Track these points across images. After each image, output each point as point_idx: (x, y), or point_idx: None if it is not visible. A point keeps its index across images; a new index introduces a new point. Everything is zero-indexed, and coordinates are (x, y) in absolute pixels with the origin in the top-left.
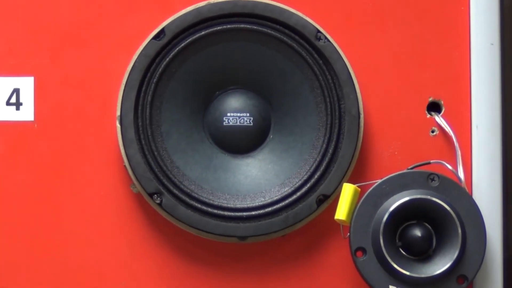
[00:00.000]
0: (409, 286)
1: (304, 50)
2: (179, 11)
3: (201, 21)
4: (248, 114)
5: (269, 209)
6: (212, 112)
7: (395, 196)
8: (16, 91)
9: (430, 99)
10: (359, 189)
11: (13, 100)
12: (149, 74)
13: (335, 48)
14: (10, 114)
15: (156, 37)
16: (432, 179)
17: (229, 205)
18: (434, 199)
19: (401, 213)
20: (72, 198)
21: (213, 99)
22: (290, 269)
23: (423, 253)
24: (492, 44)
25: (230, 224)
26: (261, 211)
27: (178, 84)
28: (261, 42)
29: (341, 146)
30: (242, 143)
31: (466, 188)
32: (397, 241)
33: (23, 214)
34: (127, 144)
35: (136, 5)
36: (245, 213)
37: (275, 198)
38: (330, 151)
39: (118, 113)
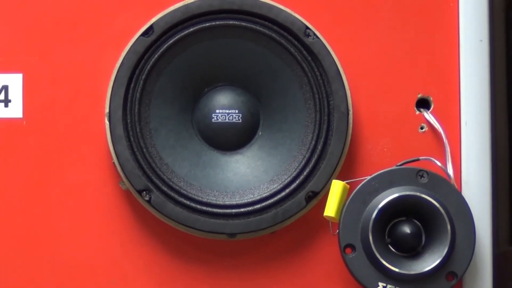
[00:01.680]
0: (398, 283)
1: (293, 47)
2: (168, 8)
3: (189, 17)
4: (237, 111)
5: (258, 206)
6: (201, 108)
7: (384, 193)
8: (5, 88)
9: (419, 95)
10: (348, 186)
11: (2, 97)
12: (137, 71)
13: (324, 44)
14: None
15: (145, 33)
16: (421, 176)
17: (218, 202)
18: (423, 195)
19: (390, 210)
20: (61, 195)
21: (202, 95)
22: (280, 266)
23: (412, 249)
24: (481, 40)
25: (219, 221)
26: (250, 208)
27: (167, 81)
28: (249, 39)
29: (330, 142)
30: (231, 140)
31: (455, 185)
32: (386, 237)
33: (12, 211)
34: (116, 141)
35: (125, 1)
36: (234, 210)
37: (264, 195)
38: (319, 147)
39: (107, 110)
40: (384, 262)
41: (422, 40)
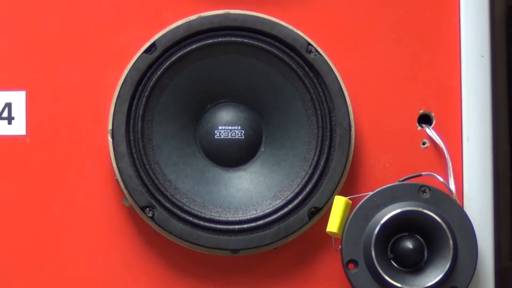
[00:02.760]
0: None
1: (295, 63)
2: (170, 25)
3: (192, 34)
4: (239, 127)
5: (261, 222)
6: (203, 125)
7: (386, 209)
8: (8, 105)
9: (421, 111)
10: (351, 202)
11: (5, 114)
12: (140, 88)
13: (326, 61)
14: (2, 128)
15: (147, 50)
16: (423, 191)
17: (221, 218)
18: (425, 211)
19: (393, 225)
20: (64, 211)
21: (204, 112)
22: (283, 281)
23: (415, 265)
24: (482, 56)
25: (222, 237)
26: (253, 224)
27: (169, 98)
28: (252, 55)
29: (333, 158)
30: (234, 156)
31: (457, 200)
32: (388, 253)
33: (16, 227)
34: (119, 158)
35: (127, 19)
36: (237, 226)
37: (266, 211)
38: (322, 163)
39: (110, 127)
40: (387, 278)
41: (423, 56)
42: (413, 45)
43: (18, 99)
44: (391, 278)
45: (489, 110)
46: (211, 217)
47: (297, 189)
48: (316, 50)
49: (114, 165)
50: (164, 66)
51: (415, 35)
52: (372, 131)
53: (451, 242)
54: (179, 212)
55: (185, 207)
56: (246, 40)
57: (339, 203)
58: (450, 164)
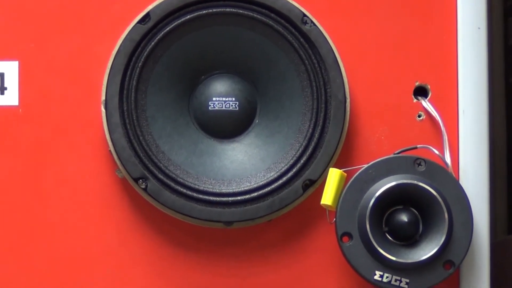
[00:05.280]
0: (395, 272)
1: (290, 34)
2: None
3: (186, 4)
4: (233, 99)
5: (255, 194)
6: (197, 96)
7: (381, 181)
8: (1, 75)
9: (417, 83)
10: (345, 174)
11: None
12: (134, 59)
13: (321, 32)
14: None
15: (141, 21)
16: (419, 164)
17: (214, 190)
18: (420, 184)
19: (388, 198)
20: (57, 183)
21: (198, 83)
22: (276, 254)
23: (409, 238)
24: (479, 28)
25: (215, 209)
26: (247, 196)
27: (163, 69)
28: (247, 26)
29: (327, 130)
30: (228, 128)
31: (453, 173)
32: (383, 226)
33: (7, 199)
34: (112, 129)
35: None
36: (230, 198)
37: (261, 183)
38: (316, 135)
39: (103, 97)
40: (381, 251)
41: (420, 28)
42: (409, 16)
43: (10, 69)
44: (386, 251)
45: (485, 83)
46: (205, 189)
47: (292, 161)
48: (311, 21)
49: (107, 136)
50: (158, 37)
51: (411, 6)
52: (367, 103)
53: (446, 216)
54: (172, 184)
55: (178, 179)
56: (241, 11)
57: (334, 175)
58: (445, 137)
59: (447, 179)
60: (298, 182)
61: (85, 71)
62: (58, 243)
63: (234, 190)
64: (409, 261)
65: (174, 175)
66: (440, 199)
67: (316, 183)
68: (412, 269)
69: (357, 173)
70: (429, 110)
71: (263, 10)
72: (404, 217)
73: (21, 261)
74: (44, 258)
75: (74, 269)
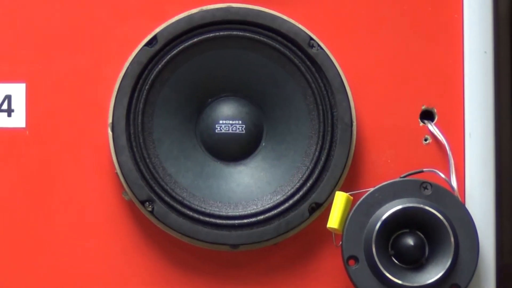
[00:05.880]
0: None
1: (297, 58)
2: (172, 18)
3: (193, 28)
4: (240, 122)
5: (261, 217)
6: (204, 119)
7: (387, 205)
8: (8, 97)
9: (423, 107)
10: (352, 198)
11: (5, 106)
12: (141, 81)
13: (327, 55)
14: (1, 121)
15: (149, 44)
16: (425, 188)
17: (221, 213)
18: (426, 207)
19: (394, 222)
20: (64, 205)
21: (205, 106)
22: (283, 277)
23: (415, 261)
24: (485, 52)
25: (222, 232)
26: (253, 219)
27: (170, 91)
28: (253, 49)
29: (334, 154)
30: (234, 151)
31: (459, 197)
32: (389, 249)
33: (15, 220)
34: (119, 151)
35: (129, 11)
36: (237, 221)
37: (267, 206)
38: (323, 159)
39: (110, 120)
40: (387, 274)
41: (426, 52)
42: (416, 40)
43: (18, 91)
44: (392, 275)
45: (492, 107)
46: (211, 211)
47: (298, 184)
48: (318, 45)
49: (114, 158)
50: (165, 60)
51: (417, 30)
52: (373, 126)
53: (452, 239)
54: (178, 207)
55: (185, 202)
56: (247, 34)
57: (340, 199)
58: (452, 161)
59: (453, 203)
60: (305, 206)
61: (92, 93)
62: (65, 265)
63: (241, 213)
64: (416, 284)
65: (180, 198)
66: (446, 223)
67: (323, 206)
68: None
69: (363, 196)
70: (436, 133)
71: (270, 33)
72: (410, 241)
73: (26, 280)
74: (51, 278)
75: None
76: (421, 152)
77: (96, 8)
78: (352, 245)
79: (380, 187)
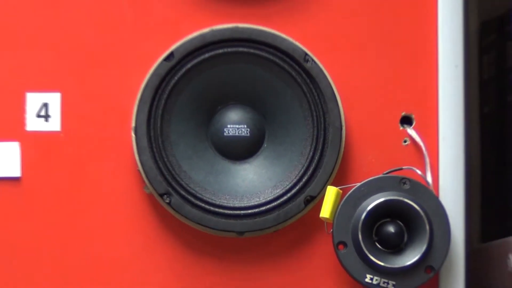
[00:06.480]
0: (383, 275)
1: (294, 71)
2: (186, 36)
3: (205, 45)
4: (245, 126)
5: (263, 208)
6: (214, 124)
7: (372, 197)
8: (45, 105)
9: (403, 113)
10: (341, 191)
11: (43, 113)
12: (159, 91)
13: (321, 69)
14: (40, 125)
15: (166, 59)
16: (404, 183)
17: (228, 205)
18: (405, 200)
19: (377, 212)
20: (93, 197)
21: (215, 113)
22: (281, 260)
23: (396, 246)
24: (456, 66)
25: (229, 221)
26: (256, 210)
27: (185, 100)
28: (257, 64)
29: (326, 154)
30: (240, 151)
31: (433, 191)
32: (373, 236)
33: (49, 211)
34: (141, 152)
35: (150, 31)
36: (242, 212)
37: (268, 199)
38: (316, 158)
39: (133, 124)
40: (371, 257)
41: (406, 66)
42: (397, 56)
43: (54, 100)
44: (375, 258)
45: (462, 114)
46: (220, 203)
47: (295, 180)
48: (312, 60)
49: (137, 157)
50: (181, 73)
51: (398, 47)
52: (360, 130)
53: (427, 227)
54: (192, 199)
55: (197, 195)
56: (252, 51)
57: (331, 192)
58: (427, 160)
59: (428, 196)
60: (300, 198)
61: (118, 101)
62: (93, 248)
63: (245, 205)
64: (395, 266)
65: (194, 192)
66: (422, 213)
67: (316, 199)
68: (398, 273)
69: (351, 190)
70: (413, 136)
71: (271, 50)
72: (391, 229)
73: (55, 269)
74: (82, 261)
75: (106, 271)
76: (400, 152)
77: (122, 29)
78: (341, 232)
79: (366, 182)
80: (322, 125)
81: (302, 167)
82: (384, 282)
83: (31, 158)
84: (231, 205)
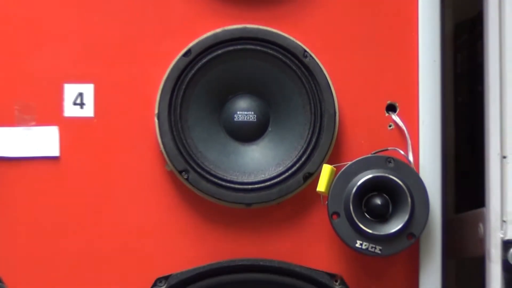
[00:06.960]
0: (371, 241)
1: (294, 65)
2: (202, 35)
3: (218, 43)
4: (252, 113)
5: (268, 183)
6: (226, 111)
7: (361, 174)
8: (81, 94)
9: (388, 101)
10: (335, 169)
11: (78, 101)
12: (179, 82)
13: (317, 63)
14: (76, 112)
15: (185, 55)
16: (389, 162)
17: (238, 180)
18: (390, 176)
19: (366, 187)
20: (121, 175)
21: (226, 101)
22: (284, 228)
23: (382, 216)
24: (434, 61)
25: (239, 194)
26: (262, 185)
27: (200, 90)
28: (262, 59)
29: (322, 137)
30: (248, 134)
31: (414, 169)
32: (363, 207)
33: (81, 187)
34: (163, 135)
35: (171, 31)
36: (250, 186)
37: (272, 175)
38: (314, 140)
39: (156, 111)
40: (361, 226)
41: (391, 60)
42: (383, 52)
43: (88, 90)
44: (364, 226)
45: (439, 102)
46: (231, 179)
47: (295, 159)
48: (310, 55)
49: (159, 140)
50: (197, 67)
51: (384, 44)
52: (351, 116)
53: (409, 200)
54: (207, 175)
55: (212, 172)
56: (258, 48)
57: (326, 169)
58: (409, 141)
59: (410, 173)
60: (300, 175)
61: (143, 91)
62: (122, 218)
63: (253, 180)
64: (382, 233)
65: (208, 169)
66: (405, 188)
67: (313, 175)
68: (383, 239)
69: (344, 168)
70: (397, 121)
71: (275, 47)
72: (378, 201)
73: (92, 234)
74: (112, 230)
75: (133, 238)
76: (386, 135)
77: (147, 29)
78: (335, 204)
79: (356, 161)
80: (319, 112)
81: (301, 148)
82: (371, 247)
83: (68, 141)
84: (240, 180)
